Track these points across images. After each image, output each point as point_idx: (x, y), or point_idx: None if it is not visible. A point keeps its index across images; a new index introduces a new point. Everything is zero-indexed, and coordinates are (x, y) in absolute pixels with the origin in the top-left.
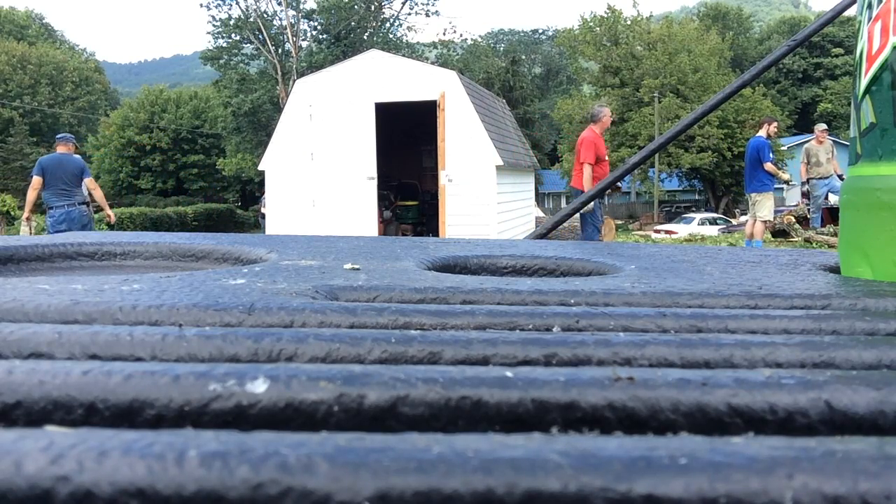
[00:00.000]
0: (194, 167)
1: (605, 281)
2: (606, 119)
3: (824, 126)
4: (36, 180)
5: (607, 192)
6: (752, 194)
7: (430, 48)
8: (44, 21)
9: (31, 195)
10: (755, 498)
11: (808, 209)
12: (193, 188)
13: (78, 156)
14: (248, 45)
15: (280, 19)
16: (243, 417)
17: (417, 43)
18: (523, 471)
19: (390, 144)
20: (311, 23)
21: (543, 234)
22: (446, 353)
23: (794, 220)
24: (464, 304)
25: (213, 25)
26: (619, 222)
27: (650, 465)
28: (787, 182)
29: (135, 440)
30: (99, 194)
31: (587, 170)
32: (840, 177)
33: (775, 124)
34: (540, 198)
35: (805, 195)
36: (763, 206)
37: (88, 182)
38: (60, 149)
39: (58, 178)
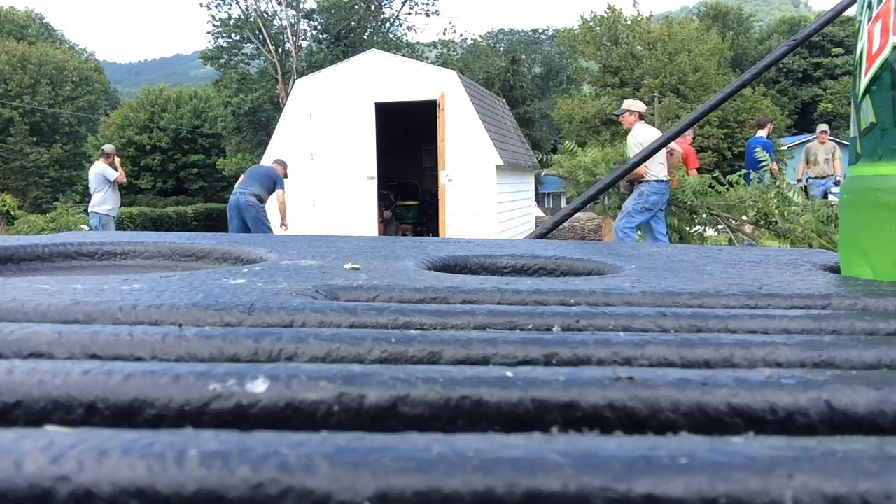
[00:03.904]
0: (194, 167)
1: (605, 281)
2: (689, 136)
3: (825, 127)
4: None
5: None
6: None
7: (430, 48)
8: (44, 21)
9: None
10: (755, 498)
11: None
12: (193, 188)
13: (277, 169)
14: (248, 44)
15: (280, 19)
16: (243, 417)
17: (417, 43)
18: (523, 470)
19: (390, 144)
20: (311, 23)
21: (543, 234)
22: (446, 352)
23: None
24: (464, 304)
25: (213, 25)
26: None
27: (650, 464)
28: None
29: (135, 440)
30: (282, 208)
31: (695, 174)
32: (836, 183)
33: (772, 124)
34: (540, 198)
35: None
36: None
37: (278, 194)
38: (272, 164)
39: (249, 176)
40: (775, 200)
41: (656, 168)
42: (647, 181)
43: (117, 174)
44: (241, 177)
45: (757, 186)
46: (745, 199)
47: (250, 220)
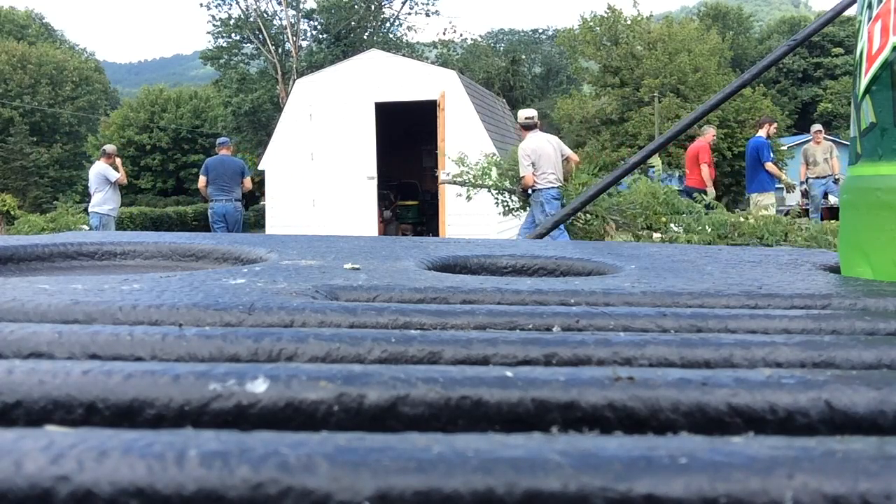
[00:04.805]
0: (194, 167)
1: (605, 281)
2: (709, 135)
3: (819, 127)
4: (201, 179)
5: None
6: (754, 195)
7: (430, 48)
8: (44, 21)
9: (202, 190)
10: (755, 498)
11: (808, 209)
12: (193, 188)
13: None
14: (248, 44)
15: (280, 19)
16: (243, 417)
17: (417, 43)
18: (523, 470)
19: (390, 144)
20: (311, 23)
21: (543, 233)
22: (446, 352)
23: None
24: (464, 304)
25: (213, 25)
26: None
27: (650, 464)
28: (790, 188)
29: (135, 440)
30: (248, 192)
31: (705, 167)
32: (836, 181)
33: (774, 125)
34: None
35: (804, 194)
36: (764, 207)
37: (246, 182)
38: (222, 151)
39: (220, 176)
40: (662, 207)
41: (547, 177)
42: (540, 189)
43: (118, 175)
44: (206, 177)
45: (649, 191)
46: (635, 203)
47: (236, 223)
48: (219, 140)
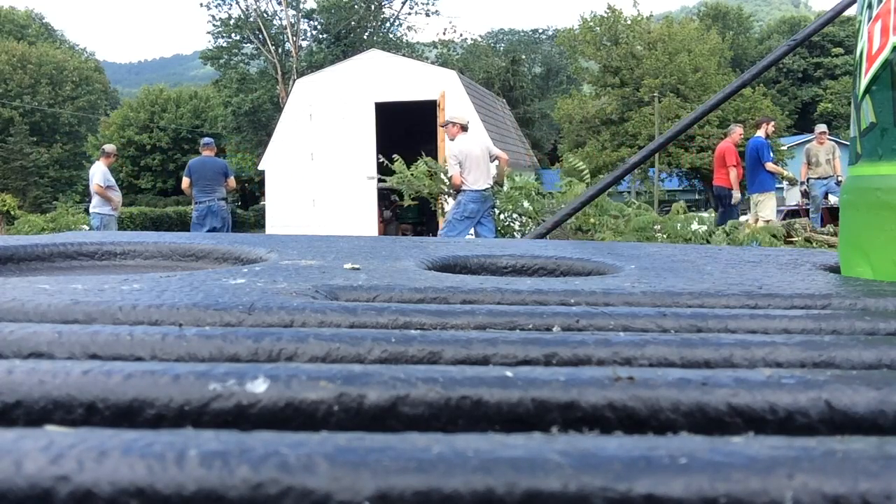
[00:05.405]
0: None
1: (605, 280)
2: (736, 134)
3: (824, 128)
4: (185, 181)
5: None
6: (754, 195)
7: (430, 48)
8: (44, 21)
9: (186, 191)
10: (755, 498)
11: (809, 209)
12: None
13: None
14: (248, 44)
15: (280, 19)
16: (243, 417)
17: (417, 43)
18: (523, 470)
19: (390, 144)
20: (311, 22)
21: (543, 233)
22: (446, 352)
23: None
24: (464, 304)
25: (213, 25)
26: None
27: (650, 464)
28: (792, 182)
29: (135, 440)
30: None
31: (733, 171)
32: (838, 183)
33: (772, 124)
34: None
35: (805, 195)
36: (765, 207)
37: (230, 182)
38: (205, 152)
39: (202, 177)
40: (592, 209)
41: (474, 177)
42: (464, 191)
43: (98, 182)
44: (190, 178)
45: (581, 193)
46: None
47: (224, 221)
48: (203, 140)
